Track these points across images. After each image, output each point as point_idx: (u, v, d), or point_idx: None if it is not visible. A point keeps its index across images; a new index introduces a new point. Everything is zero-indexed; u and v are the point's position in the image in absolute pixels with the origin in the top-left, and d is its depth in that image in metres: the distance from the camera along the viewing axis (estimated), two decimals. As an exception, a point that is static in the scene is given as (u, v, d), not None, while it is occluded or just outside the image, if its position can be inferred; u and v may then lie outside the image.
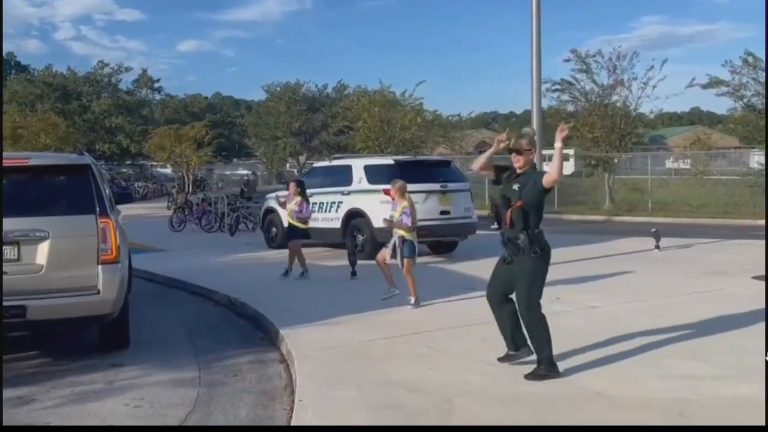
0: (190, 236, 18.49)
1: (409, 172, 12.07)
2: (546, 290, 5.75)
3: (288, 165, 48.96)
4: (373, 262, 9.49)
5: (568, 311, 7.87)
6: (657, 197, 25.09)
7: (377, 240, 11.59)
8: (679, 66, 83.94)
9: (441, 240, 13.30)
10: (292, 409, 5.15)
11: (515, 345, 5.79)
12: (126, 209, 13.68)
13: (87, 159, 6.96)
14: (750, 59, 22.46)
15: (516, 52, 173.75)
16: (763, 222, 16.11)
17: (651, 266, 11.60)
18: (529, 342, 5.67)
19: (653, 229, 14.05)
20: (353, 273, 10.63)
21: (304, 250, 11.22)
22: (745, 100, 23.22)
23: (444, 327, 7.37)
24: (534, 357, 5.61)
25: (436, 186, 12.77)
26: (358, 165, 13.87)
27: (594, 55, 25.06)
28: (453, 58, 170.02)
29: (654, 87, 24.40)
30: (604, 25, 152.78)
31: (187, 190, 31.92)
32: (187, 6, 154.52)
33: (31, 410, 5.32)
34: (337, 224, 13.50)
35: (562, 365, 5.58)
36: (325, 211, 13.81)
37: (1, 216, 5.90)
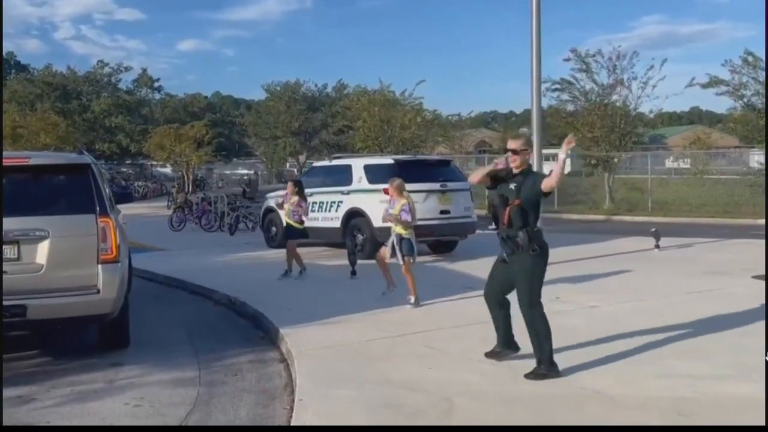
0: (189, 236, 18.48)
1: (408, 171, 12.08)
2: (546, 290, 5.76)
3: (288, 164, 48.97)
4: (373, 261, 9.50)
5: (568, 311, 7.87)
6: (657, 197, 25.10)
7: (377, 239, 11.59)
8: (679, 65, 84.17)
9: (441, 239, 13.31)
10: (292, 408, 5.15)
11: (505, 344, 5.96)
12: (126, 209, 13.69)
13: (87, 158, 6.96)
14: (750, 59, 22.44)
15: (516, 52, 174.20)
16: (763, 221, 16.11)
17: (651, 266, 11.60)
18: (529, 343, 5.68)
19: (653, 229, 14.07)
20: (353, 272, 10.64)
21: (305, 250, 11.22)
22: (744, 100, 23.20)
23: (444, 326, 7.38)
24: (533, 358, 5.61)
25: (436, 185, 12.78)
26: (357, 164, 13.87)
27: (594, 55, 25.06)
28: (453, 58, 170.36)
29: (654, 86, 24.41)
30: (604, 24, 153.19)
31: (186, 190, 31.91)
32: (187, 5, 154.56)
33: (31, 409, 5.33)
34: (337, 224, 13.50)
35: (561, 365, 5.58)
36: (325, 210, 13.81)
37: (1, 215, 5.90)
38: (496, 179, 5.76)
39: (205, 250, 15.31)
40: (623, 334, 6.69)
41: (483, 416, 4.77)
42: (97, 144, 47.94)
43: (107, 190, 7.06)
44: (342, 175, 13.84)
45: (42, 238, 6.16)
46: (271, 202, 14.93)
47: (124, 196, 32.35)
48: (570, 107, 26.40)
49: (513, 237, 5.54)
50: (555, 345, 5.60)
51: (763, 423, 4.43)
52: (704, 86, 23.92)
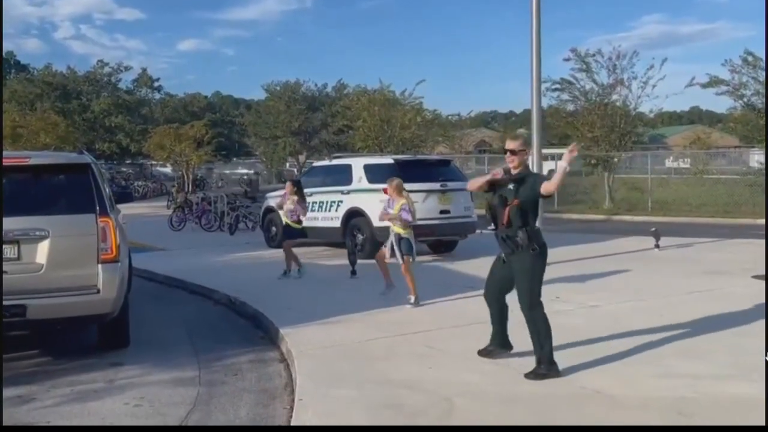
0: (189, 235, 18.48)
1: (408, 171, 12.09)
2: (546, 289, 5.77)
3: (288, 164, 48.93)
4: (373, 261, 9.50)
5: (568, 310, 7.87)
6: (657, 196, 25.10)
7: (377, 239, 11.58)
8: (679, 65, 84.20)
9: (441, 239, 13.31)
10: (292, 408, 5.15)
11: (499, 343, 6.05)
12: (126, 208, 13.69)
13: (87, 158, 6.96)
14: (750, 58, 22.46)
15: (516, 52, 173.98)
16: (762, 221, 16.11)
17: (651, 265, 11.60)
18: (526, 342, 5.68)
19: (653, 229, 14.07)
20: (353, 272, 10.64)
21: (305, 249, 11.22)
22: (744, 100, 23.21)
23: (444, 326, 7.38)
24: (533, 357, 5.61)
25: (436, 185, 12.77)
26: (357, 164, 13.87)
27: (594, 55, 25.07)
28: (453, 58, 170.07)
29: (654, 86, 24.43)
30: (604, 24, 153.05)
31: (186, 190, 31.91)
32: (187, 5, 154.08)
33: (31, 409, 5.33)
34: (337, 223, 13.50)
35: (561, 364, 5.58)
36: (325, 210, 13.81)
37: (1, 215, 5.90)
38: (492, 185, 5.81)
39: (205, 249, 15.31)
40: (623, 334, 6.69)
41: (483, 416, 4.77)
42: (97, 144, 47.95)
43: (107, 190, 7.05)
44: (342, 175, 13.83)
45: (42, 238, 6.16)
46: (271, 202, 14.94)
47: (124, 195, 32.32)
48: (570, 107, 26.42)
49: (512, 237, 5.57)
50: (555, 344, 5.60)
51: (763, 423, 4.44)
52: (704, 86, 23.96)
